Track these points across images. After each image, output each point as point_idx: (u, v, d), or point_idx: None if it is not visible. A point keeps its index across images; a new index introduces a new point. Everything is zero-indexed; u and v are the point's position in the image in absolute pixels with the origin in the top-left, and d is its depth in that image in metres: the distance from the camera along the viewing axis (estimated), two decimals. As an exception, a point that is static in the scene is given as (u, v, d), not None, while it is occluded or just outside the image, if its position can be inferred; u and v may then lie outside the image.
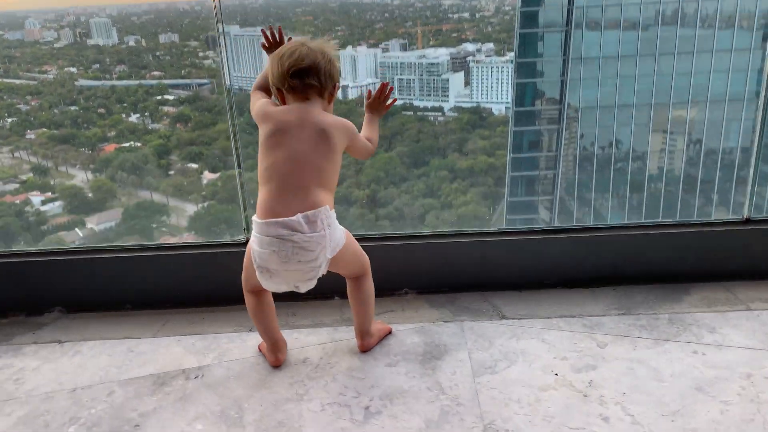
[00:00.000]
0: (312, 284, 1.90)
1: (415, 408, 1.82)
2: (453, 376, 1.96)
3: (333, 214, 1.89)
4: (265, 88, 2.01)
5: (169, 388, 2.00)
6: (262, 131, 1.89)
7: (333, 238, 1.84)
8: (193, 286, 2.53)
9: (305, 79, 1.85)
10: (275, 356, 2.09)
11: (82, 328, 2.44)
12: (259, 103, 1.93)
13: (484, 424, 1.73)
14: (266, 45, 2.06)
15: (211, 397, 1.95)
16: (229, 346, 2.23)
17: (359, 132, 2.05)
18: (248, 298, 2.09)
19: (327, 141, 1.87)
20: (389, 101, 2.15)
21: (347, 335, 2.23)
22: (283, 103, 1.92)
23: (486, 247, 2.49)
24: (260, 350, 2.18)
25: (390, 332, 2.22)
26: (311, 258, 1.81)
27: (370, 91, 2.14)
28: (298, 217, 1.78)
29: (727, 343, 2.07)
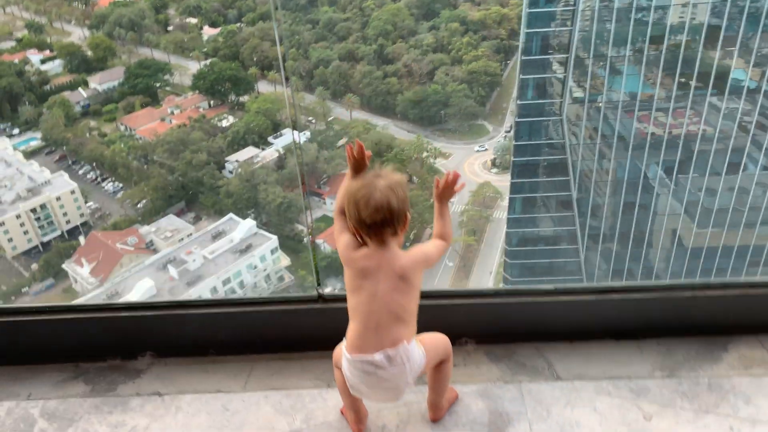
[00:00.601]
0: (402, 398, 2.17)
1: (487, 491, 2.14)
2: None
3: (413, 344, 2.10)
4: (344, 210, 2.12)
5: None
6: (347, 274, 2.11)
7: (413, 367, 2.08)
8: (271, 335, 2.77)
9: (383, 230, 2.01)
10: (358, 427, 2.38)
11: (175, 376, 2.72)
12: (342, 244, 2.11)
13: None
14: (350, 160, 2.14)
15: (304, 469, 2.27)
16: (312, 407, 2.51)
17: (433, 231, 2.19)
18: (337, 374, 2.34)
19: (406, 281, 2.07)
20: (458, 186, 2.25)
21: (417, 397, 2.50)
22: (360, 236, 2.07)
23: (541, 305, 2.68)
24: (342, 413, 2.47)
25: (457, 398, 2.49)
26: (395, 386, 2.06)
27: (438, 181, 2.21)
28: (380, 356, 2.02)
29: (759, 417, 2.32)
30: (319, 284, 2.73)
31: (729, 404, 2.39)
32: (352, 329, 2.12)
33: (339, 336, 2.75)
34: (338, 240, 2.12)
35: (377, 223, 2.00)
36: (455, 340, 2.74)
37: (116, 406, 2.60)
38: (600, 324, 2.71)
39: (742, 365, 2.55)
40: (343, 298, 2.72)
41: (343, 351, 2.13)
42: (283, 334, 2.76)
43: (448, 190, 2.23)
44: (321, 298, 2.72)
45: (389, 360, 2.06)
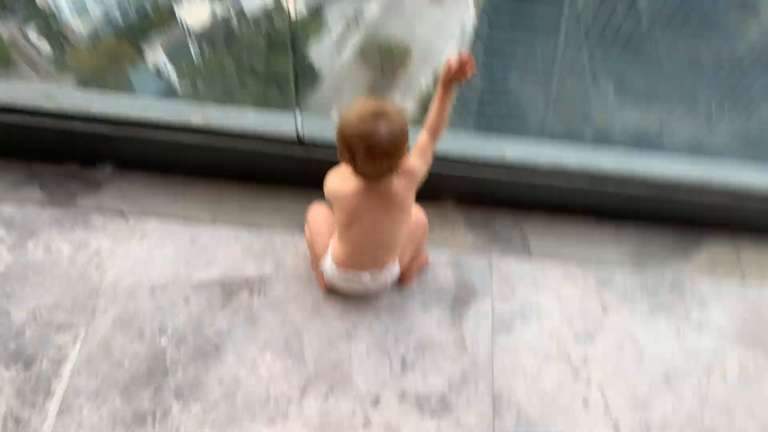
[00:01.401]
0: None
1: (442, 364, 2.28)
2: (475, 331, 2.35)
3: (395, 261, 2.07)
4: None
5: (237, 304, 2.35)
6: (334, 208, 1.94)
7: (393, 278, 2.05)
8: (243, 167, 2.57)
9: (380, 176, 1.85)
10: (326, 285, 2.39)
11: (138, 194, 2.57)
12: (329, 180, 1.96)
13: (493, 395, 2.23)
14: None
15: (274, 320, 2.33)
16: (282, 253, 2.47)
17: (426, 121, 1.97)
18: (307, 231, 2.28)
19: (402, 209, 1.97)
20: (471, 70, 1.93)
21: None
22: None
23: (531, 173, 2.53)
24: (312, 266, 2.45)
25: (427, 262, 2.48)
26: (374, 293, 2.05)
27: (450, 62, 1.89)
28: (367, 276, 2.07)
29: (707, 324, 2.45)
30: (301, 125, 2.46)
31: (684, 305, 2.49)
32: (339, 248, 2.04)
33: (318, 178, 2.61)
34: (329, 173, 1.94)
35: (375, 173, 1.81)
36: (436, 199, 2.65)
37: (77, 221, 2.50)
38: (583, 202, 2.63)
39: (708, 267, 2.60)
40: (328, 145, 2.51)
41: (328, 255, 2.06)
42: (258, 168, 2.58)
43: (459, 73, 1.91)
44: (301, 142, 2.48)
45: (374, 279, 2.08)
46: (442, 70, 1.94)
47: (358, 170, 1.82)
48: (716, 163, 2.65)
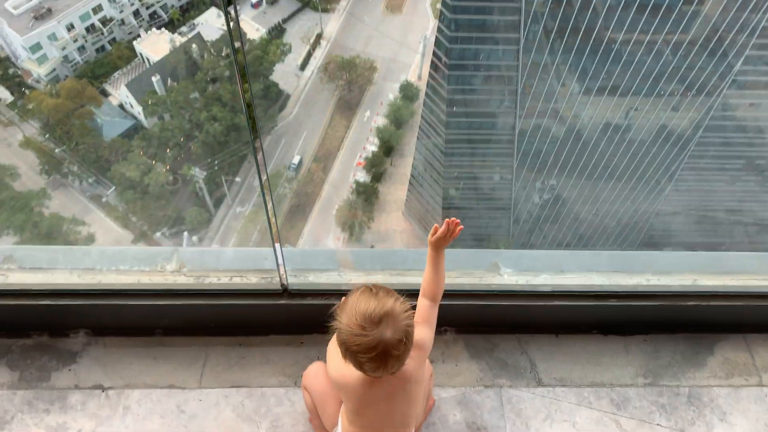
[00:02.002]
0: None
1: None
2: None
3: None
4: None
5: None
6: (342, 396, 1.83)
7: None
8: (227, 322, 2.42)
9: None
10: None
11: (117, 363, 2.39)
12: (333, 363, 1.81)
13: None
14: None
15: (276, 493, 2.16)
16: (279, 411, 2.31)
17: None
18: (306, 397, 2.12)
19: (415, 383, 1.80)
20: (458, 231, 1.92)
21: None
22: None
23: (529, 299, 2.41)
24: (307, 407, 2.28)
25: (433, 405, 2.33)
26: None
27: (436, 227, 1.89)
28: None
29: (731, 438, 2.33)
30: (284, 272, 2.32)
31: (704, 421, 2.37)
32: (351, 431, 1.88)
33: (306, 326, 2.47)
34: (329, 351, 1.78)
35: (387, 374, 1.70)
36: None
37: (53, 403, 2.30)
38: (587, 318, 2.52)
39: (724, 372, 2.50)
40: (314, 293, 2.38)
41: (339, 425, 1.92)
42: (241, 322, 2.42)
43: (449, 237, 1.89)
44: (286, 291, 2.34)
45: None
46: (430, 234, 1.90)
47: (367, 374, 1.69)
48: (722, 264, 2.57)
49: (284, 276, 2.31)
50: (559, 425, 2.33)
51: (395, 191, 38.62)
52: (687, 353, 2.53)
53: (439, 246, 1.88)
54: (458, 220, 1.84)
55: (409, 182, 37.23)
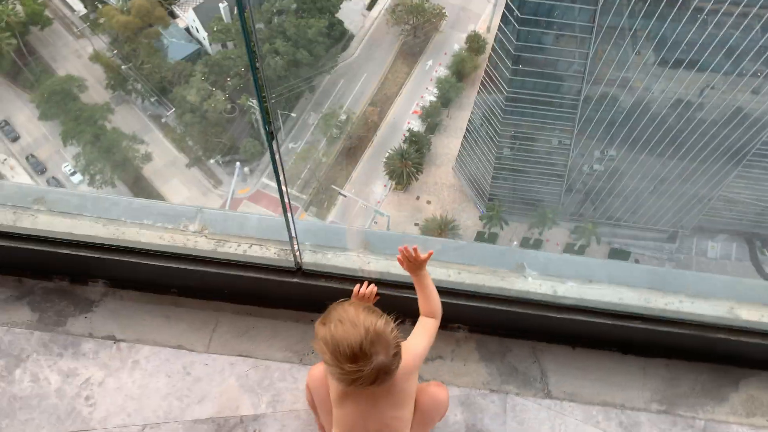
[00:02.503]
0: None
1: None
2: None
3: None
4: None
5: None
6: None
7: None
8: (240, 291, 2.41)
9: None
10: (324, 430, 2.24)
11: (132, 317, 2.43)
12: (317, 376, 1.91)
13: None
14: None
15: (268, 468, 2.19)
16: (281, 387, 2.32)
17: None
18: (308, 393, 2.12)
19: (404, 393, 1.79)
20: (425, 255, 1.94)
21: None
22: None
23: (550, 310, 2.31)
24: (309, 403, 2.29)
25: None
26: None
27: (399, 258, 1.96)
28: None
29: (742, 480, 2.22)
30: (298, 250, 2.28)
31: (716, 458, 2.27)
32: None
33: (318, 305, 2.45)
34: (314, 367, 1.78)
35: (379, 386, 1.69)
36: (447, 324, 2.46)
37: (66, 348, 2.37)
38: (608, 335, 2.41)
39: (745, 411, 2.36)
40: (328, 275, 2.35)
41: None
42: (254, 293, 2.42)
43: (416, 263, 1.94)
44: (300, 270, 2.31)
45: None
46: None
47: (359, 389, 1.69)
48: (765, 295, 2.40)
49: (299, 255, 2.28)
50: (562, 441, 2.28)
51: (448, 144, 38.09)
52: (709, 385, 2.40)
53: (413, 270, 1.92)
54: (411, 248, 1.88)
55: (464, 137, 36.61)
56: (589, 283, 2.50)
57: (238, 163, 37.14)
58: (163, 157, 37.38)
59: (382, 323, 1.64)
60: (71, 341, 2.38)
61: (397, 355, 1.66)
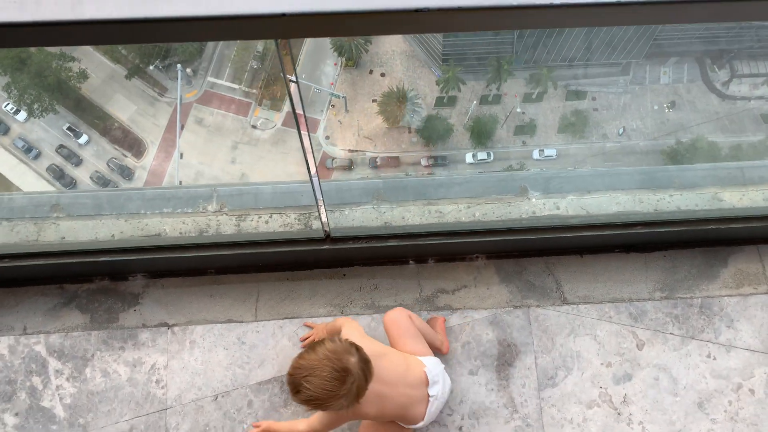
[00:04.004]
0: None
1: (495, 428, 2.46)
2: (523, 389, 2.51)
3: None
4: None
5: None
6: None
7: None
8: (274, 264, 2.56)
9: None
10: None
11: (178, 302, 2.59)
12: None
13: (546, 450, 2.45)
14: None
15: (335, 409, 2.47)
16: (329, 338, 2.55)
17: None
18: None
19: None
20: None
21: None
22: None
23: (558, 231, 2.53)
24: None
25: (444, 320, 2.58)
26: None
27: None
28: None
29: (735, 344, 2.59)
30: (326, 219, 2.42)
31: (713, 328, 2.63)
32: None
33: (348, 261, 2.63)
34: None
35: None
36: (466, 256, 2.68)
37: (126, 341, 2.55)
38: (612, 241, 2.66)
39: (735, 282, 2.69)
40: (354, 238, 2.50)
41: None
42: (288, 263, 2.57)
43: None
44: (329, 238, 2.45)
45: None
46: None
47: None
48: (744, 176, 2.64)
49: (326, 223, 2.42)
50: (582, 339, 2.60)
51: (393, 9, 36.53)
52: (702, 266, 2.72)
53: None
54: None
55: (408, -1, 35.08)
56: (587, 193, 2.72)
57: (179, 65, 35.48)
58: (99, 73, 35.44)
59: (353, 360, 1.92)
60: (128, 334, 2.56)
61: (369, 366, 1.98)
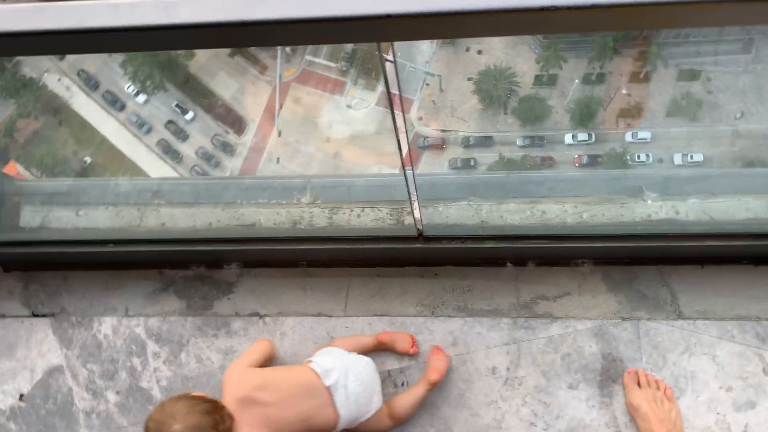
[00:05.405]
0: None
1: (596, 448, 2.29)
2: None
3: None
4: None
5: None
6: None
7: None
8: (365, 261, 2.50)
9: None
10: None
11: (270, 293, 2.59)
12: None
13: (651, 477, 2.24)
14: None
15: (421, 413, 2.39)
16: (418, 339, 2.46)
17: None
18: None
19: None
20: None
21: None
22: None
23: (677, 240, 2.28)
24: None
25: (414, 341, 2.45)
26: None
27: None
28: None
29: None
30: (419, 215, 2.31)
31: None
32: None
33: (441, 260, 2.53)
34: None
35: None
36: (570, 261, 2.50)
37: (219, 329, 2.58)
38: (738, 250, 2.37)
39: None
40: (447, 237, 2.39)
41: None
42: (379, 259, 2.50)
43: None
44: (422, 236, 2.35)
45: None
46: None
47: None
48: None
49: (419, 220, 2.31)
50: (698, 358, 2.35)
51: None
52: None
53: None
54: None
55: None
56: (712, 197, 2.44)
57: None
58: (204, 51, 37.02)
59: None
60: (222, 322, 2.59)
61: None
